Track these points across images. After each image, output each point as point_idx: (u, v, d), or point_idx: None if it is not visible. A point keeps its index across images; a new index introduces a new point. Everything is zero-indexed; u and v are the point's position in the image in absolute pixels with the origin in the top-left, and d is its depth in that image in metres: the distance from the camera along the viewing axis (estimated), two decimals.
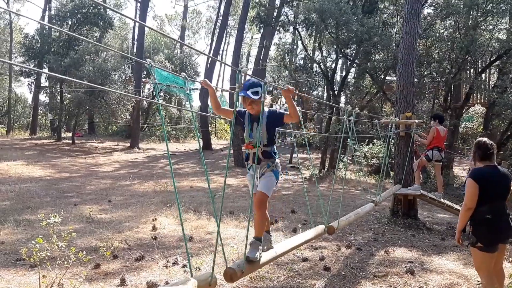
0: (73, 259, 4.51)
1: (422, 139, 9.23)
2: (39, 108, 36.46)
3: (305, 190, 11.06)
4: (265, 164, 3.72)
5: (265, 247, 3.76)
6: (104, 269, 5.37)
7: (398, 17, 18.53)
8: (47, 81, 32.53)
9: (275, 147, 3.82)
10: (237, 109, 3.83)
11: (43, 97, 36.54)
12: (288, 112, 3.68)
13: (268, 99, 3.83)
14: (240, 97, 3.64)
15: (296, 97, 22.04)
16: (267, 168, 3.71)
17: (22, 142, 26.82)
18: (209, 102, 4.21)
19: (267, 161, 3.72)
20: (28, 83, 34.07)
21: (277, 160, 3.82)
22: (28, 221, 7.65)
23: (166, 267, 5.56)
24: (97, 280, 4.99)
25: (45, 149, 23.13)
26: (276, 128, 3.81)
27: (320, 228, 4.77)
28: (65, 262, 4.55)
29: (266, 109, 3.71)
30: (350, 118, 5.42)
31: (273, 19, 21.49)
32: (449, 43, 16.00)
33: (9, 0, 41.14)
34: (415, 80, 12.66)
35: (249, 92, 3.58)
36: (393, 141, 9.79)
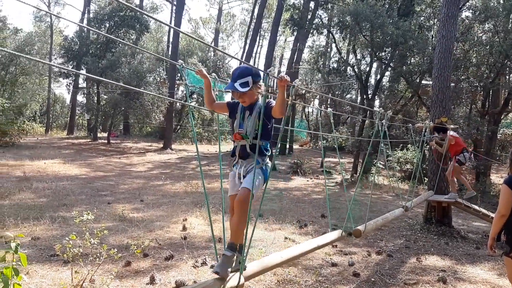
0: (105, 256, 4.60)
1: (438, 147, 8.87)
2: (77, 108, 37.50)
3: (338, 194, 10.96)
4: (252, 160, 3.26)
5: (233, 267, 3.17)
6: (134, 267, 5.46)
7: (435, 20, 18.17)
8: (85, 82, 33.44)
9: (268, 144, 3.37)
10: (229, 101, 3.62)
11: (80, 98, 37.60)
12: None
13: (262, 88, 3.30)
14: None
15: (329, 100, 21.87)
16: (256, 165, 3.22)
17: (60, 141, 27.64)
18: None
19: (255, 158, 3.22)
20: (67, 84, 35.15)
21: (268, 159, 3.39)
22: (63, 218, 7.86)
23: (195, 267, 5.61)
24: (127, 278, 5.08)
25: (81, 149, 23.77)
26: (270, 122, 3.34)
27: (338, 232, 4.73)
28: (97, 259, 4.65)
29: (261, 99, 3.33)
30: (382, 121, 5.33)
31: (307, 22, 21.40)
32: (487, 47, 15.55)
33: (50, 3, 42.51)
34: (452, 84, 12.37)
35: (236, 85, 3.23)
36: (427, 146, 9.58)
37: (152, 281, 4.96)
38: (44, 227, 7.22)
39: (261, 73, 3.29)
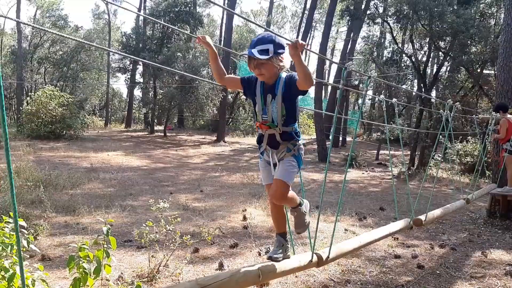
0: (179, 241, 4.86)
1: (497, 135, 8.57)
2: (134, 102, 38.87)
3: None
4: (284, 147, 2.92)
5: (280, 255, 3.09)
6: (202, 254, 5.72)
7: (497, 7, 17.42)
8: (142, 77, 34.58)
9: (296, 125, 2.98)
10: (244, 76, 3.11)
11: (137, 92, 38.97)
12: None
13: (287, 61, 2.85)
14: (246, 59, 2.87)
15: (383, 91, 21.45)
16: (286, 152, 2.92)
17: (119, 134, 28.82)
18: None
19: (286, 144, 2.92)
20: (125, 79, 36.48)
21: (300, 142, 2.98)
22: (132, 207, 8.29)
23: (260, 254, 5.80)
24: (198, 264, 5.34)
25: (140, 141, 24.69)
26: (297, 99, 2.93)
27: (405, 221, 4.75)
28: (171, 245, 4.92)
29: (283, 74, 2.87)
30: (450, 112, 5.26)
31: (362, 12, 21.11)
32: None
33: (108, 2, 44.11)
34: None
35: (254, 51, 2.72)
36: (488, 138, 9.29)
37: (221, 267, 5.18)
38: (115, 214, 7.65)
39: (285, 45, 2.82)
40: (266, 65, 2.76)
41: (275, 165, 2.94)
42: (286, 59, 2.83)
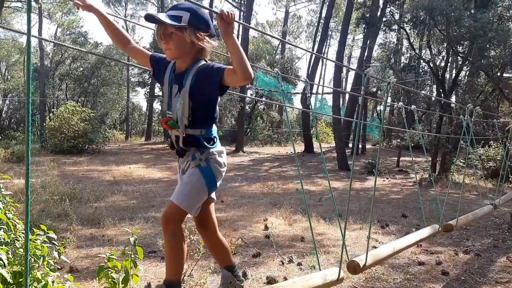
0: (202, 251, 4.94)
1: None
2: (153, 115, 39.37)
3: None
4: (190, 154, 2.23)
5: None
6: None
7: None
8: (161, 90, 35.04)
9: (212, 131, 2.24)
10: (155, 54, 2.40)
11: (157, 106, 39.51)
12: (230, 66, 2.01)
13: (209, 46, 2.18)
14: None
15: (401, 97, 21.33)
16: (191, 161, 2.21)
17: (140, 147, 29.19)
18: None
19: (193, 151, 2.21)
20: (144, 93, 37.05)
21: (214, 150, 2.22)
22: (155, 218, 8.41)
23: (282, 264, 5.83)
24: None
25: (160, 153, 24.96)
26: (215, 97, 2.21)
27: (434, 226, 4.76)
28: (195, 255, 5.00)
29: (200, 62, 2.17)
30: (468, 118, 5.26)
31: (377, 19, 21.12)
32: None
33: (126, 16, 44.97)
34: None
35: (162, 14, 2.08)
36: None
37: (244, 276, 5.23)
38: (139, 226, 7.78)
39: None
40: (175, 37, 2.09)
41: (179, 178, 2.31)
42: (210, 43, 2.18)
